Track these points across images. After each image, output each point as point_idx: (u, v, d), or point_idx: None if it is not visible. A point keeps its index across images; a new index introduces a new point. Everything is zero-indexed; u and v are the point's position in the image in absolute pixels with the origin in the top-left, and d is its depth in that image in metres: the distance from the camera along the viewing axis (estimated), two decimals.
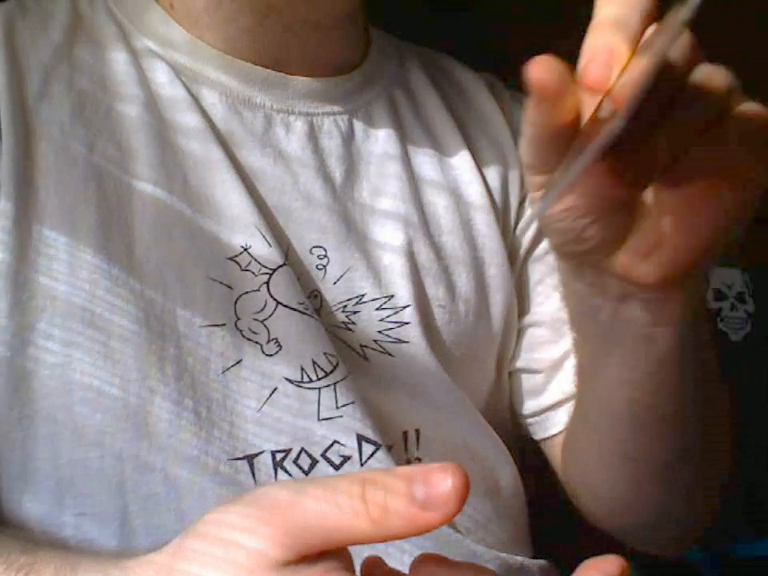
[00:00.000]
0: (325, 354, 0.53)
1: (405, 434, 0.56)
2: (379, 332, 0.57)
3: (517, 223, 0.67)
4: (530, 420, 0.70)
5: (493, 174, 0.66)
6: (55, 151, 0.51)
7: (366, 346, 0.57)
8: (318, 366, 0.53)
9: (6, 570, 0.38)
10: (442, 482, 0.29)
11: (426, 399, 0.58)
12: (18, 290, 0.49)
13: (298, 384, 0.52)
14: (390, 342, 0.57)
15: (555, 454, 0.70)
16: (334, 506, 0.29)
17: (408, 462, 0.55)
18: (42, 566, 0.37)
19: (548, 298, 0.67)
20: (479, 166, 0.64)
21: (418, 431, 0.57)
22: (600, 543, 0.64)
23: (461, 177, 0.63)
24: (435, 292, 0.59)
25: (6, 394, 0.49)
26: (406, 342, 0.57)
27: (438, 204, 0.62)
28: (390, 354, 0.57)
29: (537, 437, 0.71)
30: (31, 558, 0.38)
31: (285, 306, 0.53)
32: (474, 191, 0.63)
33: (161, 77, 0.56)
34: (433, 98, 0.66)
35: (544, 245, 0.66)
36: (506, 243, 0.65)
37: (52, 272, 0.49)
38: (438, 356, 0.58)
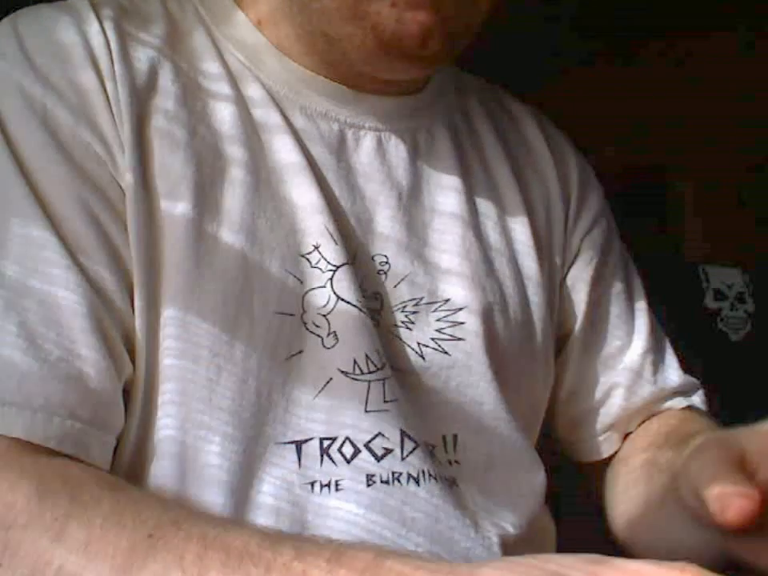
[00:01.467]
0: (377, 350, 0.55)
1: (444, 437, 0.58)
2: (437, 330, 0.59)
3: (563, 251, 0.69)
4: (573, 443, 0.72)
5: (537, 203, 0.68)
6: (160, 136, 0.53)
7: (424, 345, 0.58)
8: (371, 361, 0.54)
9: (319, 549, 0.38)
10: None
11: (473, 404, 0.59)
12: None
13: (349, 375, 0.54)
14: (447, 339, 0.59)
15: (597, 476, 0.71)
16: None
17: (449, 464, 0.57)
18: (354, 551, 0.37)
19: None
20: (525, 197, 0.67)
21: (455, 436, 0.58)
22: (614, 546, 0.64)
23: (508, 209, 0.66)
24: (492, 296, 0.61)
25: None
26: (462, 339, 0.59)
27: (490, 228, 0.64)
28: (446, 352, 0.58)
29: (579, 459, 0.72)
30: (336, 542, 0.39)
31: (345, 301, 0.55)
32: (520, 226, 0.66)
33: (249, 87, 0.58)
34: (487, 126, 0.68)
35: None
36: (544, 264, 0.67)
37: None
38: (492, 359, 0.60)
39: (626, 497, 0.66)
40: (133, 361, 0.51)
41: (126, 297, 0.51)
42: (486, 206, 0.65)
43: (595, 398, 0.70)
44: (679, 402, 0.70)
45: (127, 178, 0.51)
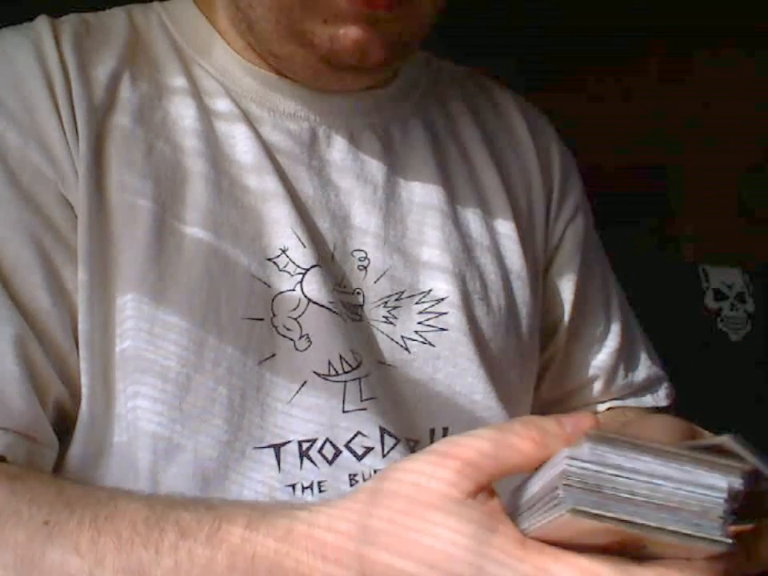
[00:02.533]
0: (351, 350, 0.55)
1: (432, 431, 0.58)
2: (419, 323, 0.59)
3: (545, 238, 0.69)
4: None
5: (518, 190, 0.68)
6: (118, 154, 0.54)
7: (408, 338, 0.58)
8: (345, 361, 0.55)
9: (199, 523, 0.41)
10: (583, 419, 0.37)
11: (463, 395, 0.59)
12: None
13: (325, 377, 0.54)
14: (431, 331, 0.59)
15: None
16: (502, 437, 0.36)
17: None
18: (232, 517, 0.40)
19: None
20: (507, 186, 0.67)
21: (445, 429, 0.58)
22: None
23: (488, 194, 0.66)
24: (473, 285, 0.61)
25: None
26: (446, 329, 0.59)
27: (470, 214, 0.64)
28: (430, 344, 0.59)
29: None
30: (216, 511, 0.41)
31: (316, 303, 0.55)
32: (500, 210, 0.66)
33: (212, 92, 0.59)
34: (466, 113, 0.68)
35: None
36: (528, 253, 0.67)
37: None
38: (477, 347, 0.60)
39: None
40: (74, 384, 0.51)
41: (64, 317, 0.51)
42: (464, 195, 0.64)
43: (576, 384, 0.71)
44: (638, 402, 0.71)
45: (81, 198, 0.52)
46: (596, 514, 0.31)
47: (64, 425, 0.52)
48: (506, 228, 0.65)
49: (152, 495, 0.47)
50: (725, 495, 0.31)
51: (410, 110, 0.65)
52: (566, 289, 0.68)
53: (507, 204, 0.65)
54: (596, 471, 0.31)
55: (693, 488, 0.31)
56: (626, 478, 0.31)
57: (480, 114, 0.69)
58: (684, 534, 0.31)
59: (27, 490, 0.45)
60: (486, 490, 0.36)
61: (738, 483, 0.31)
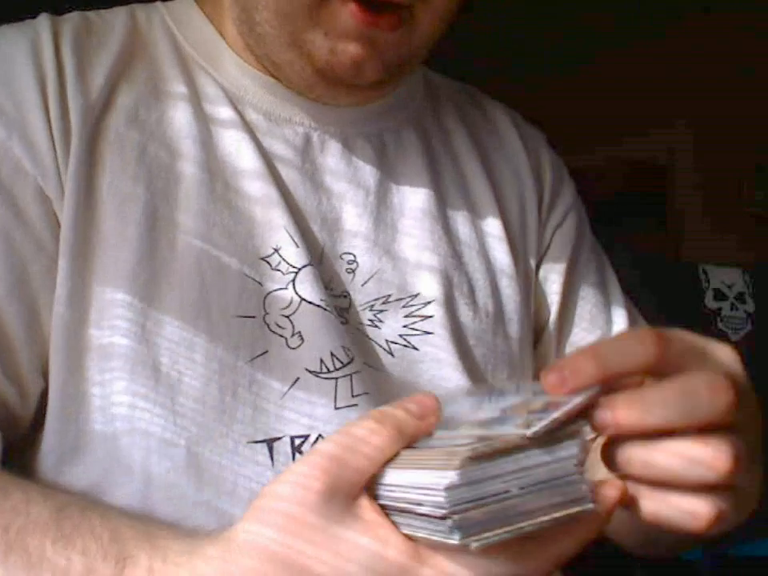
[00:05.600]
0: (343, 347, 0.55)
1: None
2: (405, 326, 0.59)
3: (538, 241, 0.69)
4: None
5: (510, 197, 0.68)
6: (111, 155, 0.54)
7: (392, 342, 0.59)
8: (336, 358, 0.55)
9: (104, 560, 0.41)
10: (425, 398, 0.40)
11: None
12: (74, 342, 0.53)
13: (317, 374, 0.55)
14: (415, 335, 0.59)
15: None
16: (351, 438, 0.38)
17: None
18: (136, 559, 0.41)
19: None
20: (497, 192, 0.68)
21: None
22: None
23: (479, 204, 0.67)
24: (461, 289, 0.62)
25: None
26: (431, 333, 0.59)
27: (460, 222, 0.65)
28: (414, 348, 0.59)
29: None
30: (122, 546, 0.42)
31: (308, 302, 0.56)
32: (491, 220, 0.66)
33: (209, 93, 0.59)
34: (458, 125, 0.69)
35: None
36: (518, 254, 0.67)
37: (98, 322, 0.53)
38: (461, 351, 0.60)
39: None
40: (23, 383, 0.52)
41: (20, 310, 0.51)
42: (455, 202, 0.65)
43: None
44: None
45: (70, 193, 0.52)
46: (486, 536, 0.33)
47: (8, 424, 0.52)
48: (493, 228, 0.66)
49: (62, 503, 0.46)
50: (574, 461, 0.35)
51: (404, 121, 0.65)
52: (553, 291, 0.69)
53: (496, 209, 0.66)
54: (472, 491, 0.34)
55: (549, 464, 0.35)
56: (498, 483, 0.34)
57: (472, 127, 0.70)
58: (562, 515, 0.34)
59: None
60: (354, 493, 0.37)
61: (575, 447, 0.35)
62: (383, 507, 0.38)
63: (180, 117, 0.57)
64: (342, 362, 0.55)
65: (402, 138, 0.65)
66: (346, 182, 0.61)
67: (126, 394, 0.52)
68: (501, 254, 0.65)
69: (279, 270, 0.56)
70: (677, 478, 0.37)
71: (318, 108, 0.61)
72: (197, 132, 0.57)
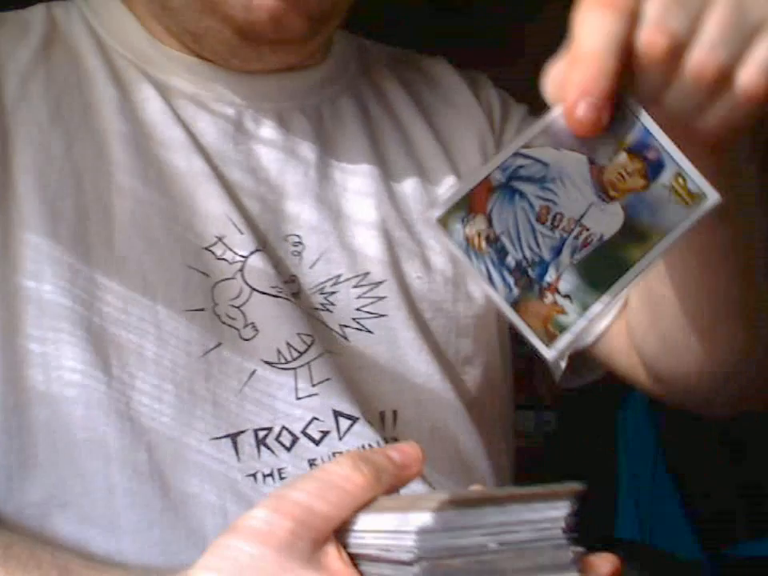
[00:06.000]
0: (299, 334, 0.55)
1: (382, 413, 0.57)
2: (357, 309, 0.58)
3: None
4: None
5: (469, 156, 0.67)
6: (35, 150, 0.53)
7: (345, 326, 0.58)
8: (293, 347, 0.54)
9: None
10: (409, 447, 0.39)
11: (407, 379, 0.59)
12: (3, 292, 0.52)
13: (274, 365, 0.54)
14: (369, 317, 0.58)
15: (609, 349, 0.66)
16: (327, 485, 0.36)
17: (385, 441, 0.56)
18: None
19: None
20: (448, 151, 0.66)
21: (395, 412, 0.58)
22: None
23: (427, 162, 0.65)
24: (411, 265, 0.60)
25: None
26: (384, 315, 0.58)
27: (407, 185, 0.63)
28: (369, 331, 0.58)
29: (583, 344, 0.67)
30: None
31: (259, 291, 0.54)
32: (441, 176, 0.65)
33: (133, 78, 0.58)
34: (398, 89, 0.67)
35: None
36: None
37: (35, 273, 0.52)
38: (418, 328, 0.59)
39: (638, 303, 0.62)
40: None
41: None
42: (401, 168, 0.63)
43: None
44: None
45: None
46: None
47: None
48: (445, 187, 0.64)
49: (9, 541, 0.45)
50: (562, 524, 0.32)
51: (340, 91, 0.64)
52: None
53: (448, 167, 0.65)
54: (445, 539, 0.31)
55: (535, 524, 0.32)
56: (476, 535, 0.31)
57: (412, 88, 0.68)
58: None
59: None
60: (321, 540, 0.35)
61: (565, 509, 0.32)
62: (353, 555, 0.35)
63: (107, 104, 0.56)
64: (299, 351, 0.54)
65: (340, 108, 0.63)
66: (283, 162, 0.59)
67: (74, 360, 0.51)
68: None
69: (225, 260, 0.54)
70: None
71: (249, 83, 0.59)
72: (125, 119, 0.56)
